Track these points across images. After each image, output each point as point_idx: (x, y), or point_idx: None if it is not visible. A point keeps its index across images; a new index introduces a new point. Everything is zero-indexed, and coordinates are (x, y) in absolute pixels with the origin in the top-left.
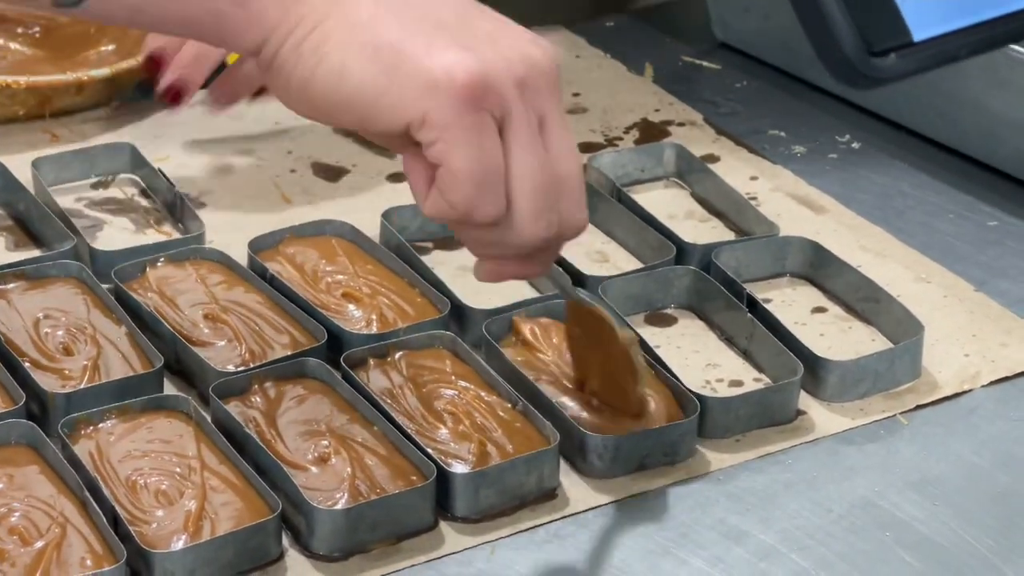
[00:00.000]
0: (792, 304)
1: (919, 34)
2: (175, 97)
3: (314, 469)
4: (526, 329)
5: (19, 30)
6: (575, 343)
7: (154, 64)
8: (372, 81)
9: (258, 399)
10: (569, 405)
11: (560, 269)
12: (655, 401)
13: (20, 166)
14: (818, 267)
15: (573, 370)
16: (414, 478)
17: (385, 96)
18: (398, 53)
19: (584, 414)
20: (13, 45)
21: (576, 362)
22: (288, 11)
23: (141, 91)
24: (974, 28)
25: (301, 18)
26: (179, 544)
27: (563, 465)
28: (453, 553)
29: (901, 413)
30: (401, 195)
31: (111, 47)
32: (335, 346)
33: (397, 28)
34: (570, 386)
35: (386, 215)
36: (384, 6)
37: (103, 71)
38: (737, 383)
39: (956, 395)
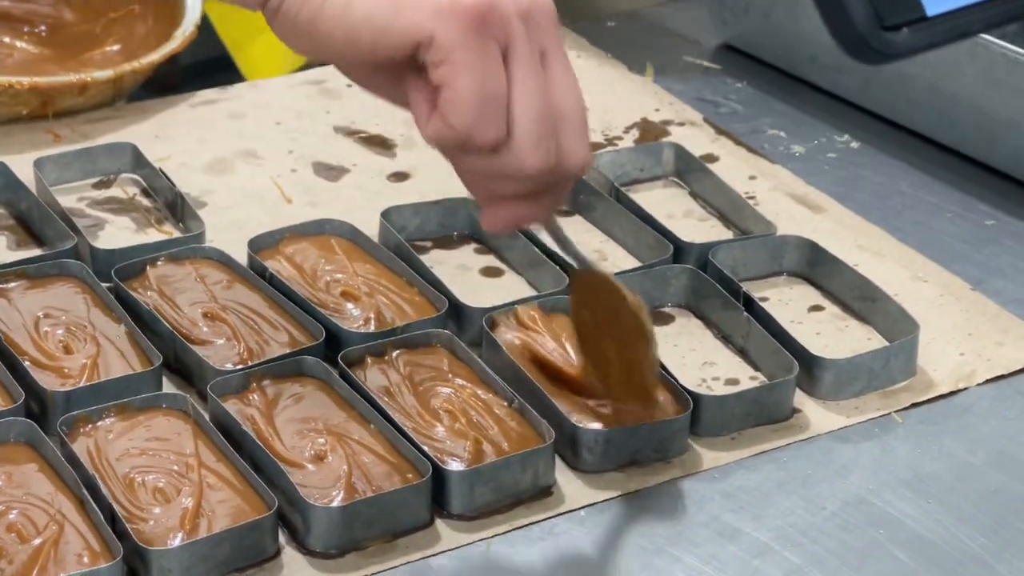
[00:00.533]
0: (789, 303)
1: (932, 8)
2: None
3: (311, 467)
4: (525, 316)
5: (25, 29)
6: (582, 325)
7: None
8: (379, 4)
9: (256, 397)
10: (567, 397)
11: (567, 234)
12: (662, 392)
13: (22, 166)
14: (815, 266)
15: (578, 353)
16: (410, 476)
17: (393, 21)
18: None
19: (585, 407)
20: (19, 44)
21: (583, 345)
22: None
23: None
24: (988, 2)
25: None
26: (176, 541)
27: (559, 462)
28: (448, 550)
29: (896, 411)
30: (401, 195)
31: (116, 47)
32: (333, 344)
33: None
34: (572, 372)
35: (385, 214)
36: None
37: (106, 72)
38: (733, 381)
39: (951, 393)
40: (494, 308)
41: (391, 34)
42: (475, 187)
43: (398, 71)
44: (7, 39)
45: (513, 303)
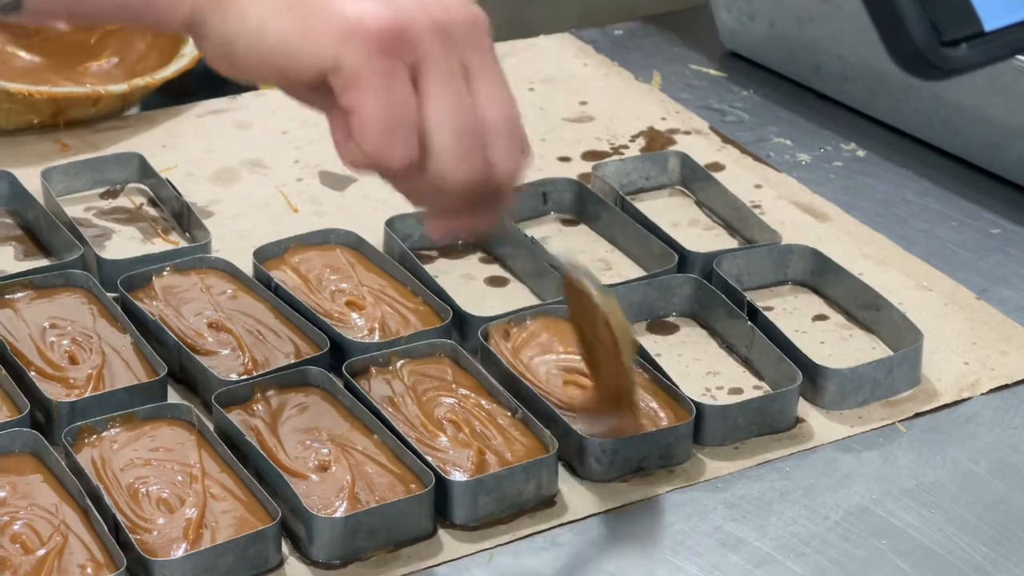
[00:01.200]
0: (793, 312)
1: (990, 24)
2: None
3: (314, 477)
4: (513, 331)
5: (27, 36)
6: (579, 330)
7: None
8: (289, 31)
9: (260, 407)
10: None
11: (525, 234)
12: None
13: (30, 176)
14: (819, 275)
15: (584, 359)
16: (413, 486)
17: (302, 45)
18: (314, 2)
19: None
20: (21, 53)
21: (585, 350)
22: None
23: None
24: None
25: None
26: (179, 552)
27: (562, 472)
28: (451, 560)
29: (900, 421)
30: (407, 203)
31: (114, 60)
32: (338, 354)
33: None
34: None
35: (390, 223)
36: None
37: (120, 87)
38: (737, 391)
39: (955, 403)
40: (495, 318)
41: (300, 60)
42: (416, 201)
43: (319, 94)
44: (9, 48)
45: (515, 311)
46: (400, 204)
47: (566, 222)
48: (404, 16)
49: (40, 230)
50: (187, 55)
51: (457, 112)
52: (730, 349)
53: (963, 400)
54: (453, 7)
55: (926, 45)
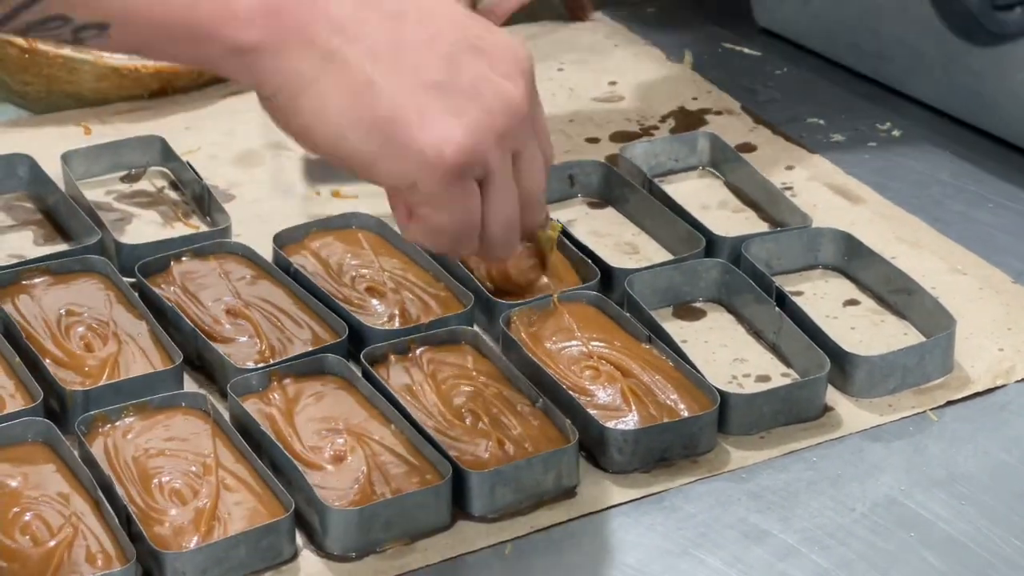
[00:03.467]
0: (824, 297)
1: None
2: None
3: (330, 467)
4: (535, 318)
5: None
6: None
7: None
8: (368, 150)
9: (276, 396)
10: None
11: None
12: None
13: (52, 159)
14: (851, 259)
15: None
16: (430, 477)
17: (380, 163)
18: (393, 127)
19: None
20: None
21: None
22: (281, 63)
23: None
24: None
25: (298, 74)
26: (191, 544)
27: (584, 462)
28: (468, 553)
29: (931, 409)
30: None
31: None
32: (357, 341)
33: (389, 98)
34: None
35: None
36: (378, 69)
37: None
38: (764, 378)
39: (988, 391)
40: (518, 304)
41: (376, 173)
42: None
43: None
44: None
45: (541, 298)
46: None
47: (593, 205)
48: (476, 139)
49: (60, 214)
50: None
51: (508, 208)
52: (758, 335)
53: (997, 388)
54: (512, 96)
55: (980, 9)
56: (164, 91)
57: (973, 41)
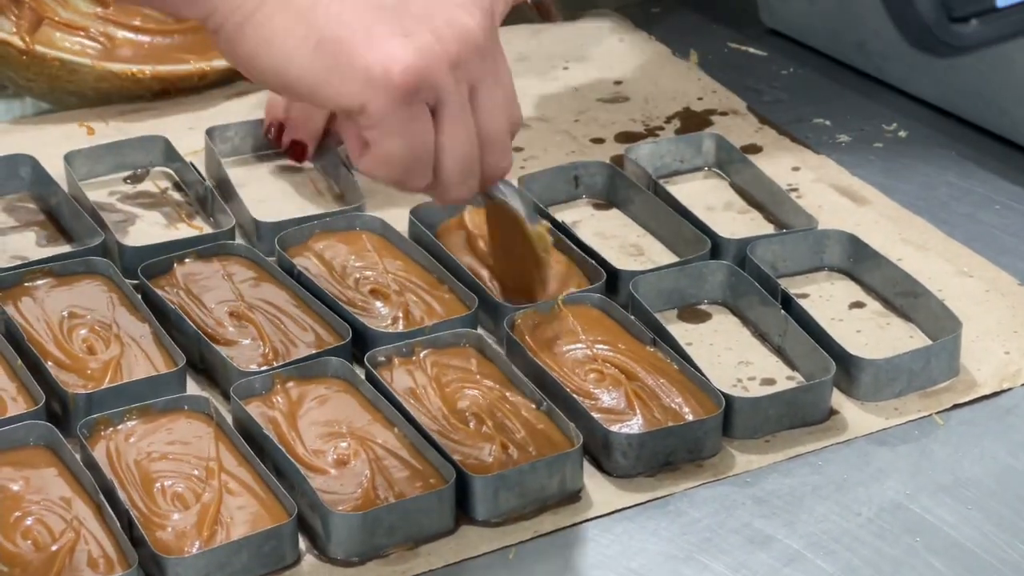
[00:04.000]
0: (830, 299)
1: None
2: (298, 154)
3: (333, 471)
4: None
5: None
6: (493, 234)
7: (277, 131)
8: (314, 72)
9: (280, 399)
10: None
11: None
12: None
13: (54, 160)
14: (857, 261)
15: (491, 258)
16: (433, 481)
17: (326, 86)
18: (339, 46)
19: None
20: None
21: (492, 253)
22: None
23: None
24: None
25: (242, 1)
26: (193, 548)
27: (588, 466)
28: (472, 557)
29: (937, 413)
30: None
31: None
32: (361, 343)
33: (335, 18)
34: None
35: (415, 210)
36: None
37: (225, 62)
38: (769, 381)
39: (994, 394)
40: (522, 307)
41: (325, 99)
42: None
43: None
44: (138, 21)
45: (539, 304)
46: None
47: (598, 206)
48: (425, 60)
49: (63, 215)
50: None
51: (464, 142)
52: (763, 338)
53: (1003, 391)
54: (466, 24)
55: (934, 21)
56: (167, 92)
57: (929, 52)
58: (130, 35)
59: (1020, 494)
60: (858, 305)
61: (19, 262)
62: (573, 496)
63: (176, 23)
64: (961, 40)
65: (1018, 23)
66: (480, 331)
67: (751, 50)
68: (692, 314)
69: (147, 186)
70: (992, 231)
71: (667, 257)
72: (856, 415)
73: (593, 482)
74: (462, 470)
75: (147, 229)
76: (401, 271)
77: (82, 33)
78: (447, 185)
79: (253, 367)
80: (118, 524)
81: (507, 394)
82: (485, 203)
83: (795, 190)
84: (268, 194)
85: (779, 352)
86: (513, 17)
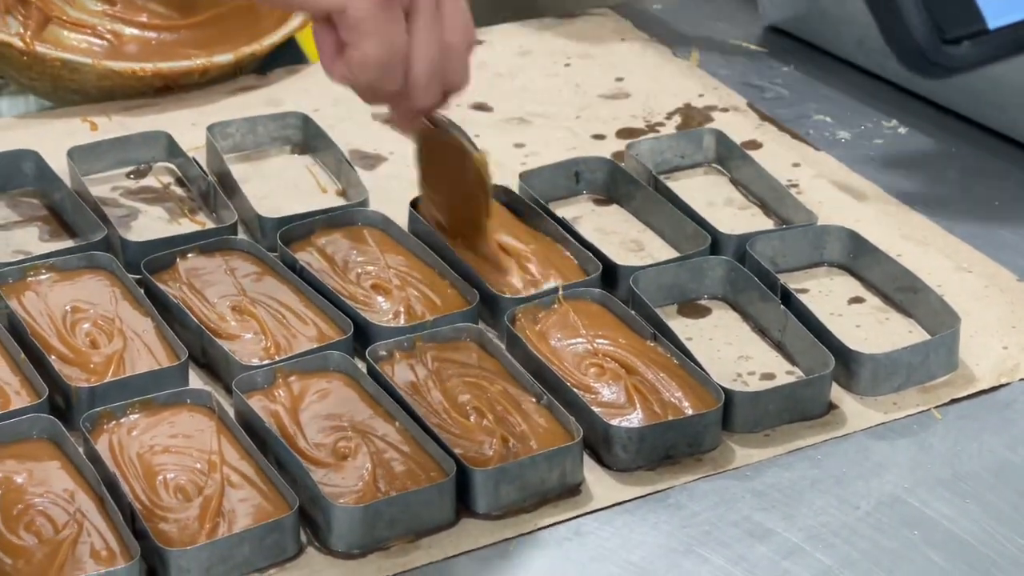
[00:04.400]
0: (829, 294)
1: (994, 21)
2: None
3: (334, 464)
4: (540, 314)
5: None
6: (427, 174)
7: None
8: None
9: (282, 393)
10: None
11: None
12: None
13: (57, 155)
14: (856, 257)
15: (425, 199)
16: (434, 474)
17: None
18: None
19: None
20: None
21: (429, 188)
22: None
23: None
24: None
25: None
26: (195, 541)
27: (588, 460)
28: (473, 550)
29: (935, 407)
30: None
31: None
32: (362, 338)
33: None
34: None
35: (415, 204)
36: None
37: (226, 57)
38: (769, 376)
39: (993, 389)
40: (523, 300)
41: (304, 2)
42: (370, 101)
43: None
44: (150, 5)
45: (542, 293)
46: None
47: (598, 202)
48: None
49: (65, 211)
50: (298, 15)
51: (433, 47)
52: (763, 333)
53: (1001, 386)
54: None
55: (927, 43)
56: (169, 88)
57: (922, 73)
58: (137, 32)
59: (1018, 488)
60: (857, 300)
61: (22, 257)
62: (573, 489)
63: (183, 19)
64: (953, 61)
65: (1009, 44)
66: (481, 325)
67: (752, 47)
68: (692, 309)
69: (150, 181)
70: (991, 227)
71: (667, 252)
72: (855, 409)
73: (593, 475)
74: (463, 463)
75: (150, 224)
76: (403, 266)
77: (89, 31)
78: (415, 89)
79: (255, 361)
80: (121, 517)
81: (508, 388)
82: (420, 137)
83: (795, 186)
84: (270, 190)
85: (779, 347)
86: (516, 13)
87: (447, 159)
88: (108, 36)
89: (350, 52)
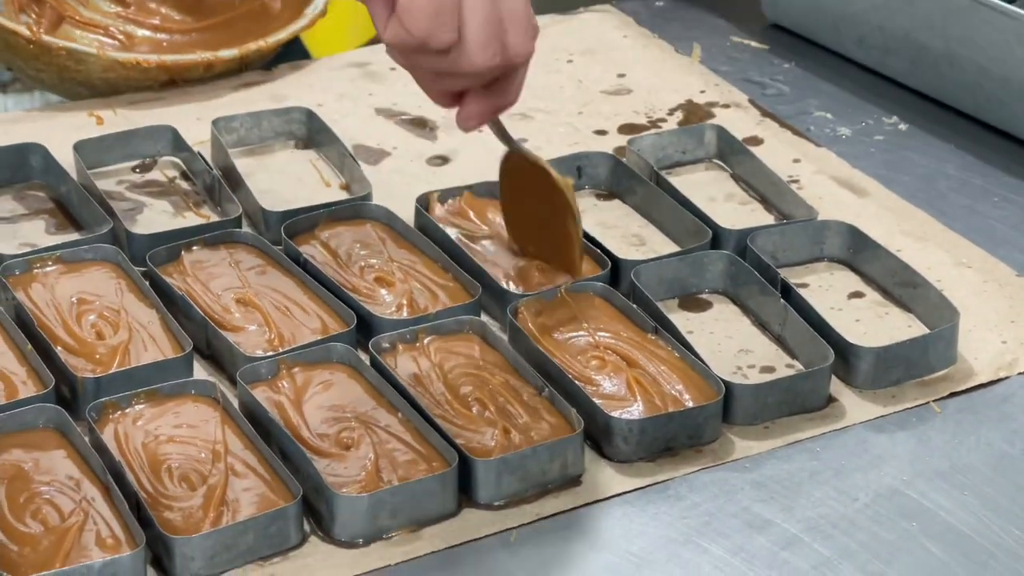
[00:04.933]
0: (829, 289)
1: None
2: None
3: (337, 455)
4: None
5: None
6: (511, 201)
7: None
8: None
9: (285, 384)
10: (507, 265)
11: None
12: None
13: (63, 149)
14: (856, 251)
15: (509, 230)
16: (436, 464)
17: None
18: None
19: (520, 273)
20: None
21: (512, 220)
22: None
23: None
24: None
25: None
26: (200, 529)
27: (589, 451)
28: (474, 540)
29: (934, 401)
30: (441, 179)
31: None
32: (365, 330)
33: None
34: (514, 248)
35: (421, 199)
36: None
37: (231, 52)
38: (769, 369)
39: (991, 383)
40: (525, 295)
41: None
42: (430, 87)
43: None
44: (163, 8)
45: (549, 288)
46: (434, 180)
47: (600, 196)
48: None
49: (72, 204)
50: (308, 15)
51: (488, 2)
52: (763, 327)
53: (1000, 380)
54: None
55: None
56: (174, 82)
57: None
58: (148, 34)
59: (1015, 481)
60: (857, 295)
61: (29, 249)
62: (574, 480)
63: (195, 22)
64: None
65: None
66: (483, 318)
67: (753, 44)
68: (693, 303)
69: (155, 175)
70: (990, 223)
71: (669, 247)
72: (854, 402)
73: (594, 467)
74: (465, 454)
75: (155, 217)
76: (405, 259)
77: (102, 31)
78: (470, 44)
79: (259, 352)
80: (126, 505)
81: (510, 380)
82: (503, 165)
83: (796, 181)
84: (274, 184)
85: (779, 340)
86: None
87: (526, 184)
88: (120, 37)
89: (402, 5)
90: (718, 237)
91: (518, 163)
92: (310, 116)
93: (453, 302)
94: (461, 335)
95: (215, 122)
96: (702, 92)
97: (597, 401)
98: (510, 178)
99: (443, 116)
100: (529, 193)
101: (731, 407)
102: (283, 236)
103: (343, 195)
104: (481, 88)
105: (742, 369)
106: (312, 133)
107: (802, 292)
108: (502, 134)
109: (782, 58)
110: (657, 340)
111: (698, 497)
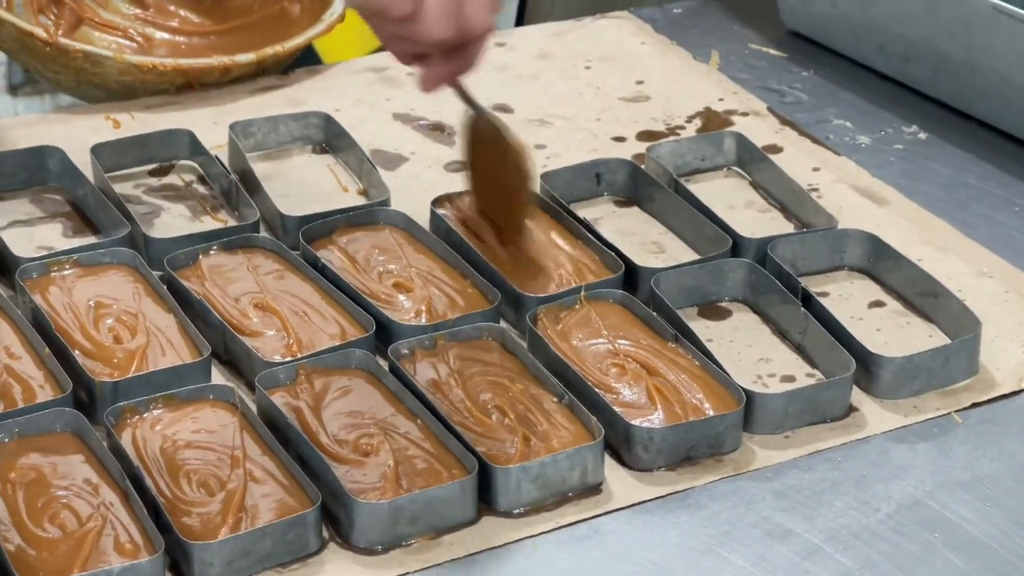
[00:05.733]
0: (849, 298)
1: None
2: None
3: (356, 461)
4: (563, 314)
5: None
6: (472, 162)
7: None
8: None
9: (304, 390)
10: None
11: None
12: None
13: (81, 152)
14: (876, 261)
15: (469, 189)
16: (456, 472)
17: None
18: None
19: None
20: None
21: (473, 179)
22: None
23: None
24: None
25: None
26: (218, 535)
27: (609, 459)
28: (493, 548)
29: (956, 411)
30: (459, 184)
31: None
32: (384, 336)
33: None
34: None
35: (436, 203)
36: None
37: (248, 56)
38: (789, 378)
39: (1013, 393)
40: (547, 299)
41: None
42: (394, 48)
43: None
44: (182, 11)
45: (568, 291)
46: (451, 185)
47: (619, 203)
48: None
49: (89, 207)
50: (325, 20)
51: None
52: (783, 335)
53: (1022, 390)
54: None
55: None
56: (190, 86)
57: None
58: (167, 36)
59: None
60: (878, 304)
61: (46, 252)
62: (594, 488)
63: (214, 25)
64: None
65: None
66: (503, 324)
67: (772, 52)
68: (713, 311)
69: (172, 179)
70: (1012, 232)
71: (688, 255)
72: (875, 412)
73: (614, 475)
74: (485, 461)
75: (172, 221)
76: (424, 265)
77: (120, 33)
78: (428, 16)
79: (277, 358)
80: (144, 510)
81: (529, 387)
82: (465, 127)
83: (815, 190)
84: (292, 188)
85: (799, 349)
86: (536, 17)
87: (487, 148)
88: (139, 39)
89: None
90: (738, 245)
91: (478, 125)
92: (328, 121)
93: (472, 308)
94: (480, 341)
95: (233, 126)
96: (720, 100)
97: (617, 409)
98: (472, 139)
99: (461, 123)
100: (488, 155)
101: (752, 416)
102: (301, 241)
103: (361, 200)
104: (441, 53)
105: (762, 378)
106: (330, 138)
107: (822, 301)
108: (463, 95)
109: (801, 66)
110: (677, 348)
111: (718, 506)
